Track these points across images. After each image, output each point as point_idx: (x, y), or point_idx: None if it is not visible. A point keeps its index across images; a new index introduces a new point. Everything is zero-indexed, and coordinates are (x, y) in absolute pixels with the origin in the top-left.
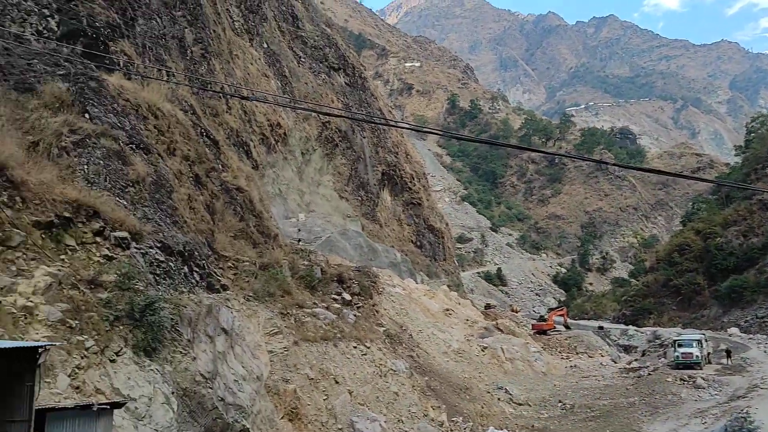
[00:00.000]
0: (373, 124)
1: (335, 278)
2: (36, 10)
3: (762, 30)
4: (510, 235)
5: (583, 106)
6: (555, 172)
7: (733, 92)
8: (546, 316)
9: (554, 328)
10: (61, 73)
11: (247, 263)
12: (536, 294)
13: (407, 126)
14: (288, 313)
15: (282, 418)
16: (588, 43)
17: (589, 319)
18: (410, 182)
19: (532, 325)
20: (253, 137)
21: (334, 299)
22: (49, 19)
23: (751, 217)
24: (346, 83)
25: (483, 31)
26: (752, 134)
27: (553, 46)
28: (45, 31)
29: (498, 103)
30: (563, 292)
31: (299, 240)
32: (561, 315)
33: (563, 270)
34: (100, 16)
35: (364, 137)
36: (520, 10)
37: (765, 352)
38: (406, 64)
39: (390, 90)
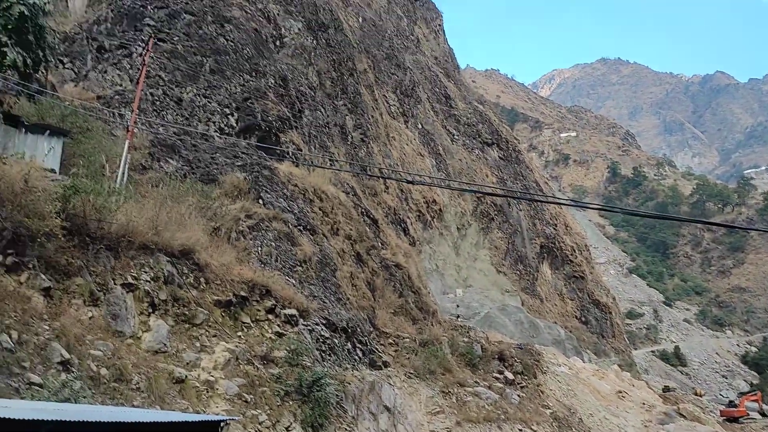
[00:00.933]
0: (529, 194)
1: (496, 356)
2: (219, 110)
3: None
4: (687, 309)
5: (764, 168)
6: (736, 240)
7: None
8: (737, 402)
9: (747, 415)
10: (239, 164)
11: (408, 340)
12: (722, 376)
13: (566, 202)
14: (449, 391)
15: None
16: (765, 100)
17: None
18: (571, 255)
19: (721, 411)
20: (410, 214)
21: (496, 378)
22: (229, 117)
23: None
24: (500, 157)
25: (643, 96)
26: None
27: (724, 106)
28: (226, 128)
29: (664, 168)
30: (755, 374)
31: (458, 316)
32: (755, 400)
33: (753, 349)
34: (272, 111)
35: (520, 210)
36: (683, 72)
37: None
38: (562, 135)
39: (545, 161)
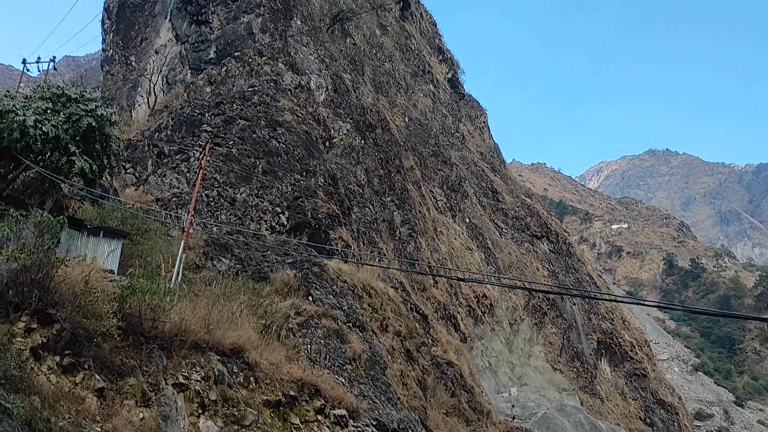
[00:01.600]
0: (583, 289)
1: None
2: (270, 209)
3: None
4: (761, 410)
5: None
6: None
7: None
8: None
9: None
10: (290, 261)
11: None
12: None
13: (623, 299)
14: None
15: None
16: None
17: None
18: (631, 351)
19: None
20: (460, 309)
21: None
22: (280, 215)
23: None
24: (550, 250)
25: (695, 187)
26: None
27: None
28: (277, 226)
29: (723, 259)
30: None
31: (513, 417)
32: None
33: None
34: (321, 208)
35: (574, 304)
36: (735, 162)
37: None
38: (613, 227)
39: (597, 254)
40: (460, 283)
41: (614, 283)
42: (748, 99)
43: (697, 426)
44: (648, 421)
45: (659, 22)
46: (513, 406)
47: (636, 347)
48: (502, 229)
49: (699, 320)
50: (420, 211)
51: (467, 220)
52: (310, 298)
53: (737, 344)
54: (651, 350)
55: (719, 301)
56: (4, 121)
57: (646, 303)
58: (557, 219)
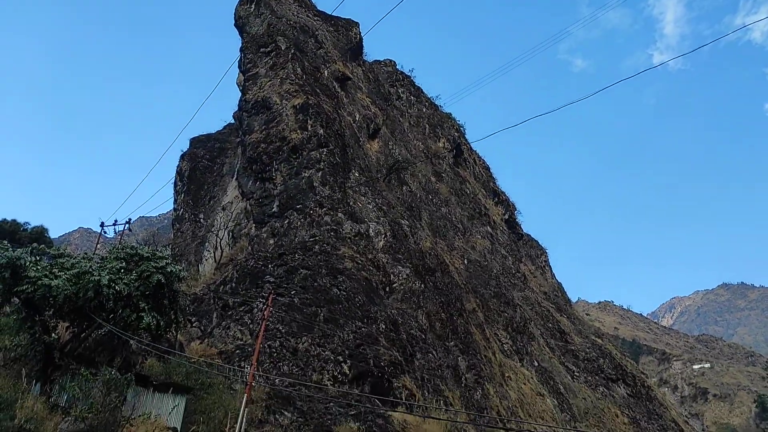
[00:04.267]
0: None
1: None
2: (332, 357)
3: None
4: None
5: None
6: None
7: None
8: None
9: None
10: (353, 413)
11: None
12: None
13: None
14: None
15: None
16: None
17: None
18: None
19: None
20: None
21: None
22: (342, 364)
23: None
24: (628, 394)
25: None
26: None
27: None
28: (339, 376)
29: None
30: None
31: None
32: None
33: None
34: (384, 356)
35: None
36: None
37: None
38: (694, 367)
39: (680, 397)
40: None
41: (703, 430)
42: None
43: None
44: None
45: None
46: None
47: None
48: (573, 372)
49: None
50: (485, 356)
51: (536, 364)
52: None
53: None
54: None
55: None
56: (81, 281)
57: None
58: (632, 360)
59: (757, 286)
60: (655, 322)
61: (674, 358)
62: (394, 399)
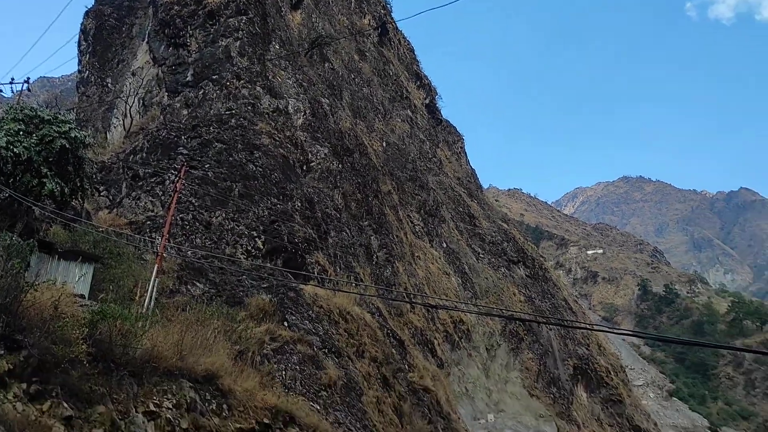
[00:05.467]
0: (559, 314)
1: None
2: (246, 233)
3: None
4: None
5: None
6: None
7: None
8: None
9: None
10: (265, 286)
11: None
12: None
13: (598, 328)
14: None
15: None
16: None
17: None
18: (607, 377)
19: None
20: (437, 335)
21: None
22: (256, 239)
23: None
24: (526, 275)
25: (669, 213)
26: None
27: (752, 222)
28: (253, 250)
29: (697, 285)
30: None
31: None
32: None
33: None
34: (298, 233)
35: (551, 329)
36: (707, 189)
37: None
38: (589, 252)
39: (573, 279)
40: (437, 310)
41: (590, 309)
42: (720, 130)
43: None
44: None
45: (636, 62)
46: None
47: (612, 373)
48: (479, 254)
49: (673, 346)
50: (397, 236)
51: (444, 245)
52: (286, 323)
53: (711, 370)
54: (626, 376)
55: (693, 326)
56: None
57: (618, 332)
58: (533, 244)
59: (654, 180)
60: (558, 210)
61: (571, 244)
62: (307, 273)
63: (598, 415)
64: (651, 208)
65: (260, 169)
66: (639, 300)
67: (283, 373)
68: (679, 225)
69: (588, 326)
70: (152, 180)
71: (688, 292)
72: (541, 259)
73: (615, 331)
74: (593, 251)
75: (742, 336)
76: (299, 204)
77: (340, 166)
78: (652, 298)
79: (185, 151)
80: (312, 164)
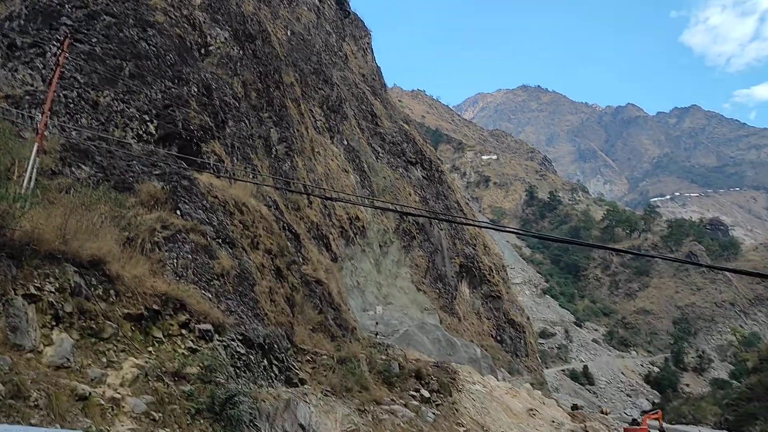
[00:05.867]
0: (451, 215)
1: (413, 374)
2: (137, 116)
3: None
4: (596, 330)
5: (668, 197)
6: (641, 265)
7: None
8: (639, 420)
9: None
10: (157, 173)
11: (325, 357)
12: (627, 395)
13: (485, 225)
14: (365, 409)
15: None
16: (671, 133)
17: (687, 424)
18: (489, 275)
19: (624, 429)
20: (332, 230)
21: (412, 396)
22: (148, 123)
23: None
24: (423, 176)
25: (560, 124)
26: None
27: (634, 137)
28: (144, 135)
29: (578, 194)
30: (657, 393)
31: (377, 333)
32: (656, 419)
33: (656, 369)
34: (194, 120)
35: (441, 229)
36: (598, 102)
37: None
38: (483, 157)
39: (467, 182)
40: (335, 204)
41: (480, 211)
42: (615, 45)
43: (540, 343)
44: (498, 338)
45: None
46: (377, 324)
47: (494, 271)
48: (378, 153)
49: (551, 249)
50: (298, 130)
51: (345, 143)
52: (178, 212)
53: (582, 271)
54: (507, 274)
55: (570, 231)
56: None
57: (507, 229)
58: (432, 147)
59: (550, 90)
60: (459, 115)
61: (468, 149)
62: (203, 161)
63: (478, 309)
64: (545, 117)
65: (154, 49)
66: (525, 205)
67: (175, 261)
68: (569, 136)
69: (478, 223)
70: (31, 51)
71: (569, 200)
72: (438, 161)
73: (498, 228)
74: (488, 157)
75: (612, 242)
76: (196, 89)
77: (241, 52)
78: (537, 204)
79: (69, 22)
80: (211, 48)
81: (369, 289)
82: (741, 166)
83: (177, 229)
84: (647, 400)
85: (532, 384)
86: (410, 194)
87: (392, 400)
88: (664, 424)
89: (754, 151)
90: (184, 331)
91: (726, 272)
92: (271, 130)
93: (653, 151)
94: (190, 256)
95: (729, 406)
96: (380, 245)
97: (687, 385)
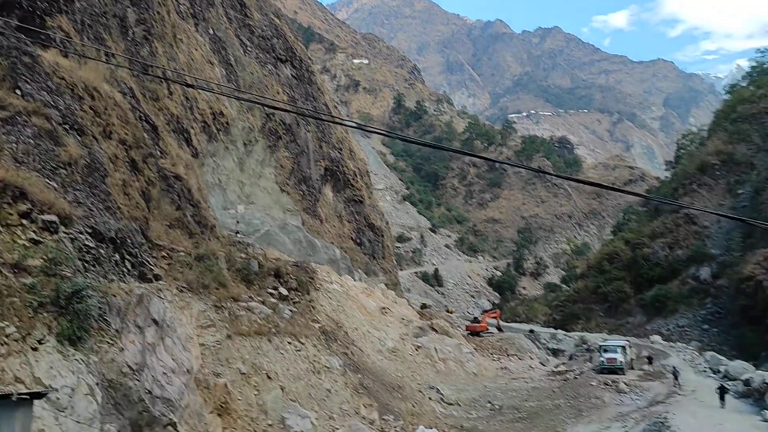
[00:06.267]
0: (320, 114)
1: (272, 272)
2: None
3: (702, 52)
4: (449, 236)
5: (524, 114)
6: (495, 177)
7: (666, 109)
8: (480, 318)
9: (487, 330)
10: None
11: (182, 253)
12: (471, 296)
13: (353, 124)
14: (222, 306)
15: (211, 412)
16: (532, 52)
17: (521, 323)
18: (353, 179)
19: (466, 326)
20: (194, 125)
21: (270, 294)
22: None
23: (677, 230)
24: (292, 75)
25: (431, 33)
26: (682, 151)
27: (499, 53)
28: None
29: (443, 105)
30: (497, 294)
31: (237, 232)
32: (494, 317)
33: (498, 273)
34: None
35: (309, 131)
36: (469, 15)
37: (684, 360)
38: (354, 61)
39: (337, 85)
40: (198, 97)
41: (348, 116)
42: None
43: (397, 247)
44: (358, 241)
45: None
46: (238, 223)
47: (358, 176)
48: (247, 47)
49: (414, 157)
50: (158, 13)
51: (211, 32)
52: (18, 91)
53: (440, 180)
54: (370, 180)
55: (434, 141)
56: None
57: (370, 128)
58: (303, 45)
59: None
60: (332, 14)
61: (339, 50)
62: (49, 34)
63: (340, 212)
64: (417, 26)
65: None
66: (393, 113)
67: (14, 146)
68: (439, 47)
69: (348, 122)
70: None
71: (435, 111)
72: (309, 61)
73: (366, 128)
74: (359, 61)
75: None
76: None
77: None
78: (404, 113)
79: None
80: None
81: (231, 187)
82: (591, 89)
83: (17, 110)
84: (489, 300)
85: (386, 285)
86: (278, 92)
87: (250, 297)
88: (501, 322)
89: (603, 76)
90: (25, 222)
91: (567, 188)
92: (128, 9)
93: (515, 68)
94: (32, 141)
95: (557, 308)
96: (245, 143)
97: (524, 288)
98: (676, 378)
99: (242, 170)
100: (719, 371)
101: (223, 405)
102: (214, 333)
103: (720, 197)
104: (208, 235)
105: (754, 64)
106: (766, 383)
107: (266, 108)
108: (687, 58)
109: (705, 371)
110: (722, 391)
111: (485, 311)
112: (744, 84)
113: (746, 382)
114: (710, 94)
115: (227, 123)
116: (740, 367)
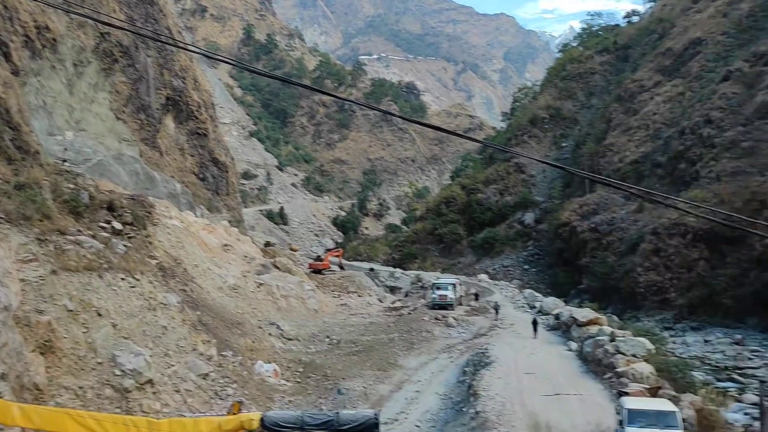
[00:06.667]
0: (159, 43)
1: (105, 205)
2: None
3: (541, 10)
4: (295, 175)
5: (375, 57)
6: (344, 118)
7: (505, 63)
8: (323, 257)
9: (329, 268)
10: None
11: (0, 181)
12: (315, 235)
13: (199, 50)
14: (46, 239)
15: (32, 351)
16: None
17: (362, 261)
18: (197, 111)
19: (309, 264)
20: (14, 38)
21: (103, 228)
22: None
23: (508, 178)
24: None
25: None
26: (517, 104)
27: None
28: None
29: (295, 41)
30: (341, 234)
31: (65, 160)
32: (337, 256)
33: (343, 213)
34: None
35: (149, 56)
36: None
37: (505, 296)
38: None
39: (182, 9)
40: (18, 8)
41: (193, 43)
42: None
43: (242, 184)
44: (201, 176)
45: None
46: (66, 150)
47: (202, 108)
48: None
49: (263, 92)
50: None
51: None
52: None
53: (289, 118)
54: (215, 113)
55: (284, 77)
56: None
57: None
58: None
59: None
60: None
61: None
62: None
63: (183, 145)
64: None
65: None
66: (242, 44)
67: None
68: None
69: (187, 48)
70: None
71: (286, 46)
72: None
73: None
74: None
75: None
76: None
77: None
78: (253, 45)
79: None
80: None
81: (58, 111)
82: (439, 37)
83: None
84: (332, 240)
85: (229, 222)
86: (114, 10)
87: (79, 231)
88: (343, 261)
89: (451, 25)
90: None
91: (412, 132)
92: None
93: (368, 9)
94: None
95: (396, 247)
96: (75, 64)
97: (366, 228)
98: (497, 312)
99: (72, 93)
100: (535, 307)
101: (46, 343)
102: (36, 268)
103: (547, 148)
104: (30, 162)
105: (585, 26)
106: (572, 317)
107: (101, 26)
108: (527, 14)
109: (523, 307)
110: (535, 324)
111: (328, 250)
112: (575, 44)
113: (557, 317)
114: (545, 51)
115: (54, 40)
116: (552, 303)
